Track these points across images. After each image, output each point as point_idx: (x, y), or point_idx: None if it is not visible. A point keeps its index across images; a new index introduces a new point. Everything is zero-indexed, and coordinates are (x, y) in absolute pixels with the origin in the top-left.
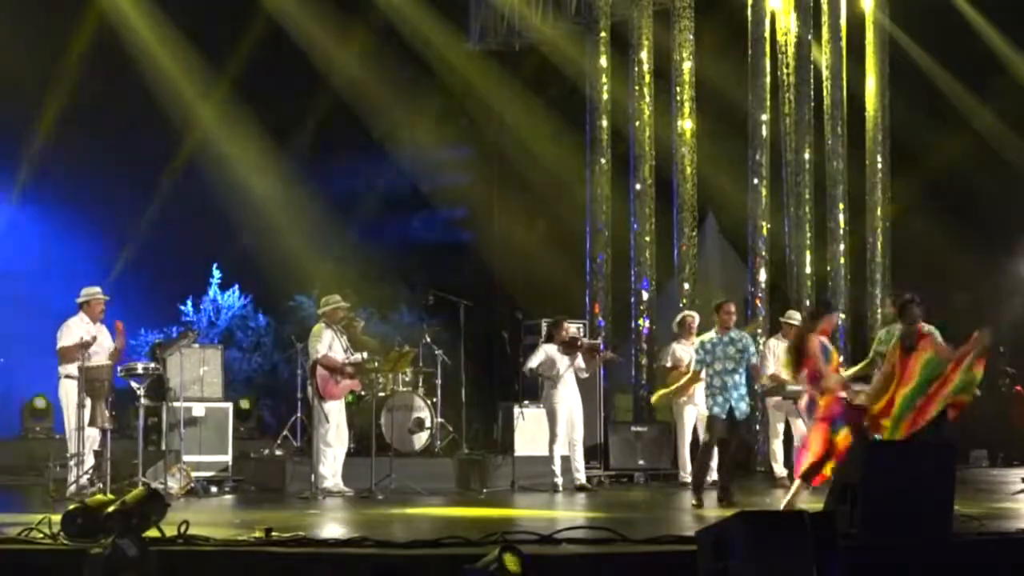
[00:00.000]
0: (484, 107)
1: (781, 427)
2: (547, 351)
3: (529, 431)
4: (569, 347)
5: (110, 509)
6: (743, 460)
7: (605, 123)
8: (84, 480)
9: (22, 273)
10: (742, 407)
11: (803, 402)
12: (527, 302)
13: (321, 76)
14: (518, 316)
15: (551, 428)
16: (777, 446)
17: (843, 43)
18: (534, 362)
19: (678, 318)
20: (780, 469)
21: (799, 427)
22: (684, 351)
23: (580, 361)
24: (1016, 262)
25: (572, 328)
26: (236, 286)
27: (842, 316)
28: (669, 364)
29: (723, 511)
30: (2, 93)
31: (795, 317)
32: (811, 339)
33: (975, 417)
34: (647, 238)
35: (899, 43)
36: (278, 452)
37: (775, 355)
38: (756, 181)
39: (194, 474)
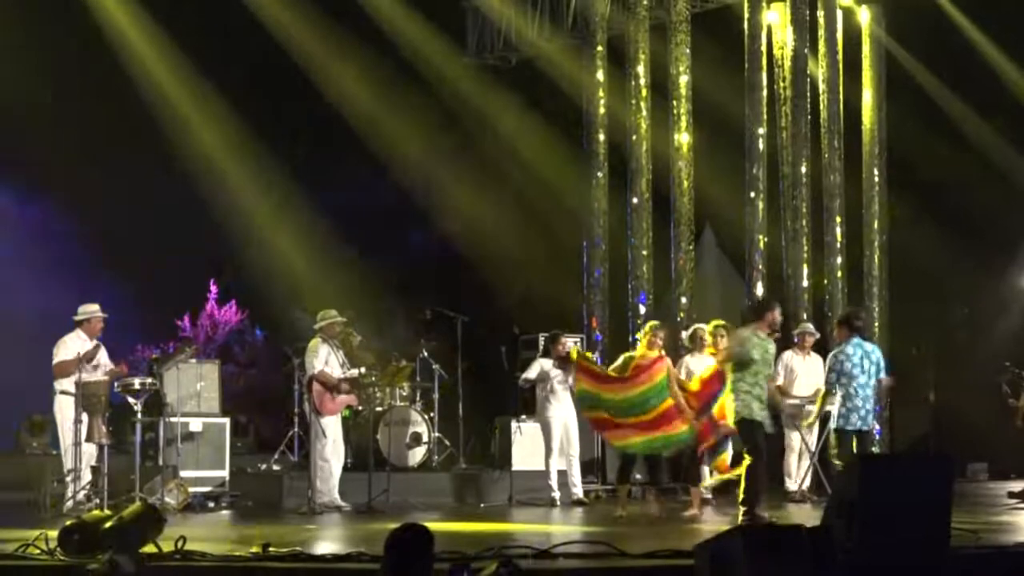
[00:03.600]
0: (481, 121)
1: (797, 440)
2: (543, 365)
3: (526, 445)
4: (565, 362)
5: (107, 525)
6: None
7: (602, 137)
8: (81, 496)
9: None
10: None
11: None
12: (524, 316)
13: (319, 91)
14: (515, 331)
15: (546, 442)
16: (792, 460)
17: (840, 57)
18: (530, 374)
19: (689, 331)
20: (792, 484)
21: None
22: (697, 364)
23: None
24: (1013, 275)
25: (569, 343)
26: (233, 301)
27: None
28: (683, 377)
29: (720, 526)
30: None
31: (811, 329)
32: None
33: (974, 430)
34: (644, 252)
35: (896, 56)
36: (275, 467)
37: (788, 367)
38: (753, 195)
39: (191, 489)
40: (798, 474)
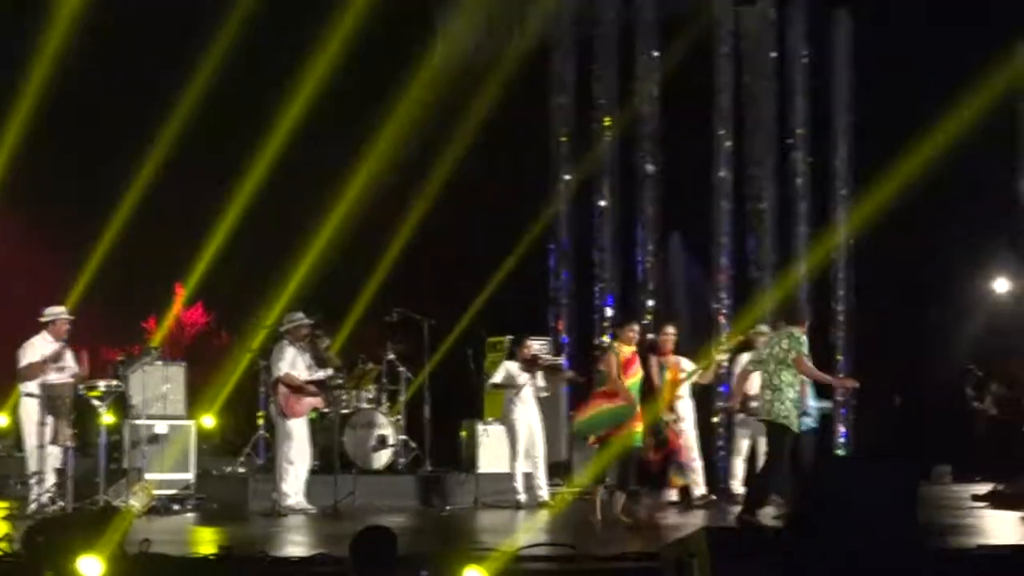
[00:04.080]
0: (448, 124)
1: (746, 444)
2: (508, 368)
3: (492, 448)
4: (530, 365)
5: (71, 527)
6: None
7: (569, 140)
8: (45, 498)
9: None
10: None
11: None
12: (491, 319)
13: (283, 93)
14: (482, 333)
15: (512, 445)
16: (738, 464)
17: (807, 60)
18: (497, 378)
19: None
20: (738, 486)
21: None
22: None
23: (540, 379)
24: (981, 278)
25: (535, 346)
26: (199, 303)
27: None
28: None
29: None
30: None
31: (764, 330)
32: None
33: (939, 432)
34: (611, 255)
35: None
36: (241, 470)
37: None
38: (720, 198)
39: (156, 492)
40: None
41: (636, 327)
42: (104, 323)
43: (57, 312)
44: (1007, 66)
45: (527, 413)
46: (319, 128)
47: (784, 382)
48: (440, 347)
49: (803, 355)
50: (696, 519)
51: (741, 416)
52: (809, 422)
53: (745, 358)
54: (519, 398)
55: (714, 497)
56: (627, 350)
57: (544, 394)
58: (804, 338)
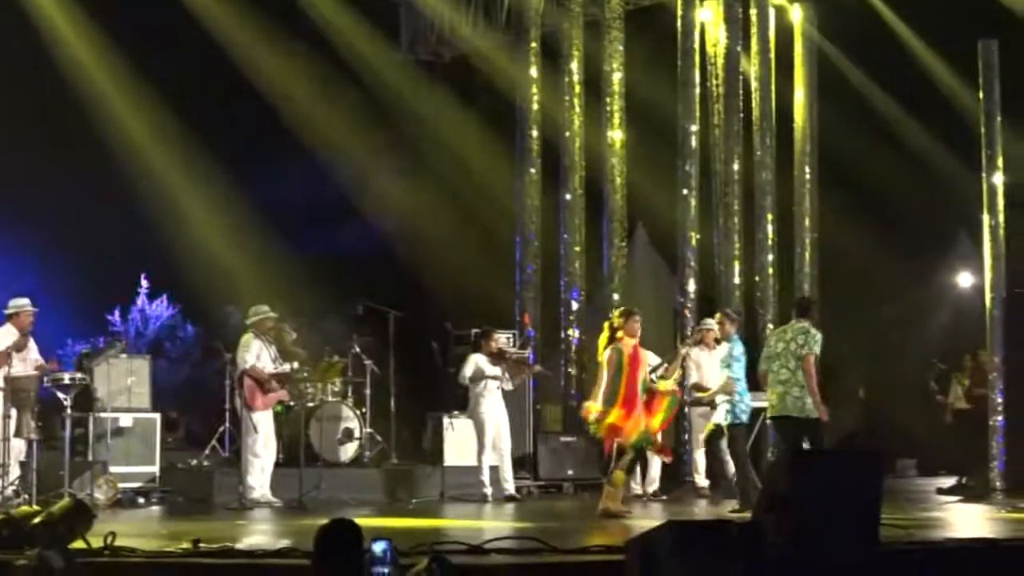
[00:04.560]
0: (414, 117)
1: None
2: (477, 361)
3: (458, 441)
4: (497, 358)
5: (36, 520)
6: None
7: (535, 133)
8: (9, 491)
9: None
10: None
11: None
12: (457, 312)
13: (250, 84)
14: (447, 326)
15: (479, 439)
16: (700, 457)
17: (772, 55)
18: (467, 371)
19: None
20: (702, 480)
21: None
22: (706, 359)
23: (505, 373)
24: (942, 273)
25: (501, 339)
26: (164, 296)
27: (770, 326)
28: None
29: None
30: None
31: (710, 324)
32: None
33: (904, 426)
34: (577, 248)
35: (828, 55)
36: (206, 463)
37: (696, 364)
38: (685, 192)
39: (121, 485)
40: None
41: (638, 318)
42: (69, 315)
43: (21, 304)
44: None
45: (493, 407)
46: (285, 119)
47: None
48: (405, 340)
49: (814, 354)
50: (660, 513)
51: (701, 409)
52: (744, 417)
53: (696, 353)
54: (486, 391)
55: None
56: (631, 343)
57: (508, 387)
58: (819, 336)
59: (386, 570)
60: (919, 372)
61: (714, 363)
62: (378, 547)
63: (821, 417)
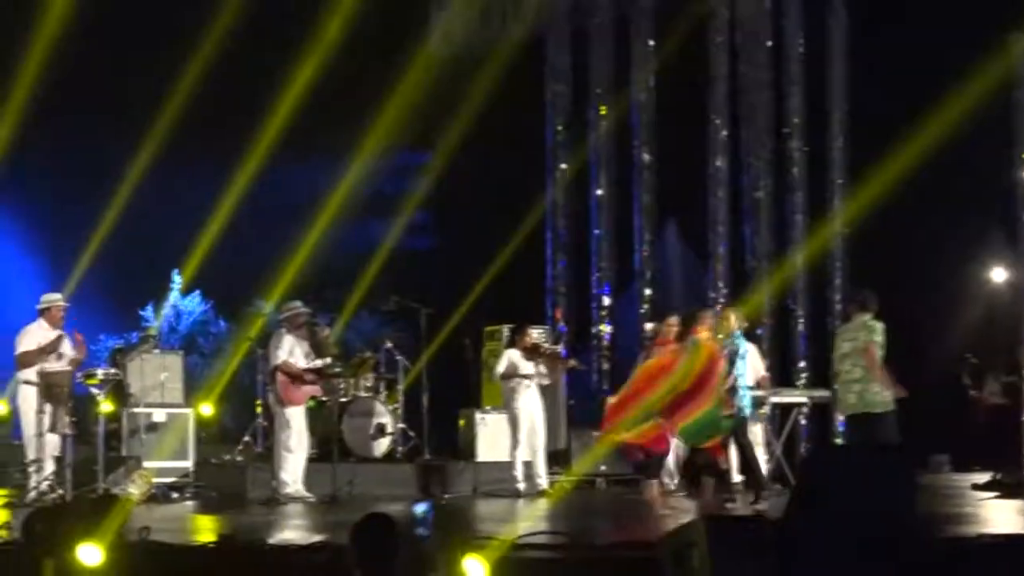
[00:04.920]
0: (445, 112)
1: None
2: (511, 357)
3: (491, 437)
4: (532, 353)
5: (70, 515)
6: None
7: (566, 129)
8: (44, 486)
9: None
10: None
11: None
12: (488, 307)
13: (282, 81)
14: (479, 322)
15: (513, 434)
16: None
17: (803, 49)
18: (500, 368)
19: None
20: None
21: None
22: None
23: (542, 367)
24: (975, 268)
25: (535, 334)
26: (197, 292)
27: (802, 322)
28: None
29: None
30: None
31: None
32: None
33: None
34: (608, 244)
35: (860, 47)
36: (239, 458)
37: None
38: (717, 187)
39: (155, 480)
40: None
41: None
42: (102, 311)
43: (53, 299)
44: (1003, 55)
45: (529, 402)
46: (316, 116)
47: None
48: (437, 336)
49: (875, 343)
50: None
51: None
52: (747, 410)
53: None
54: (522, 386)
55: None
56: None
57: (546, 382)
58: (880, 326)
59: (427, 531)
60: (952, 367)
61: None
62: (420, 508)
63: (899, 394)
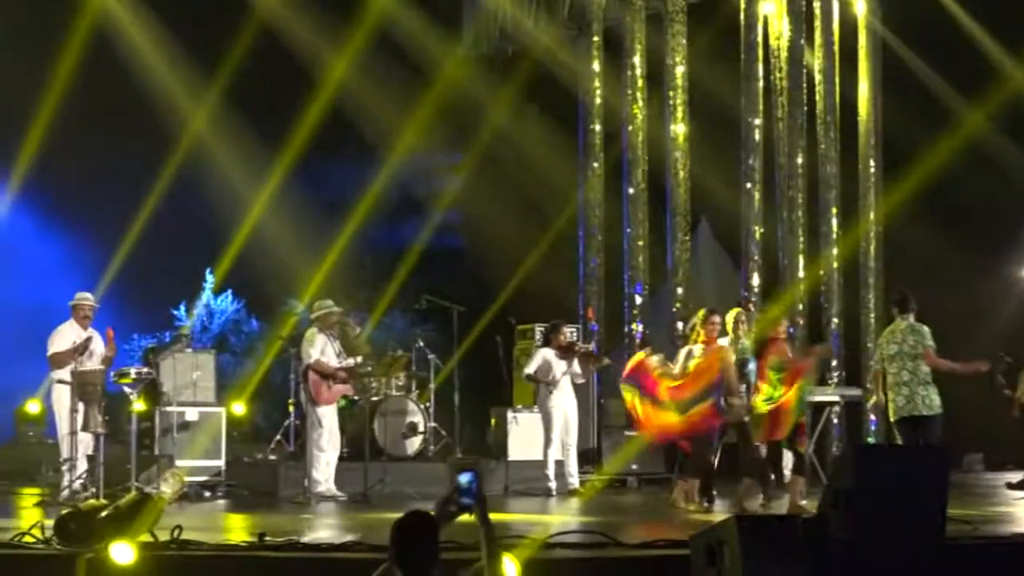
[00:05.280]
0: (477, 112)
1: None
2: (544, 355)
3: (522, 435)
4: (566, 352)
5: (103, 514)
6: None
7: (598, 127)
8: (77, 485)
9: (13, 277)
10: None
11: None
12: (520, 307)
13: (313, 81)
14: (511, 321)
15: (546, 432)
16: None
17: (836, 47)
18: (532, 367)
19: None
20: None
21: None
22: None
23: (576, 366)
24: (1009, 265)
25: (568, 332)
26: (229, 291)
27: (835, 320)
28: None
29: (718, 515)
30: None
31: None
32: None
33: (970, 420)
34: (640, 242)
35: (892, 47)
36: (271, 457)
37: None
38: (749, 185)
39: (187, 479)
40: None
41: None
42: (135, 310)
43: (81, 296)
44: None
45: (563, 400)
46: (348, 115)
47: (928, 374)
48: (469, 334)
49: (931, 348)
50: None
51: None
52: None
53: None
54: (556, 385)
55: None
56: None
57: (580, 380)
58: (927, 329)
59: (471, 501)
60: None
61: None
62: (464, 478)
63: (981, 368)
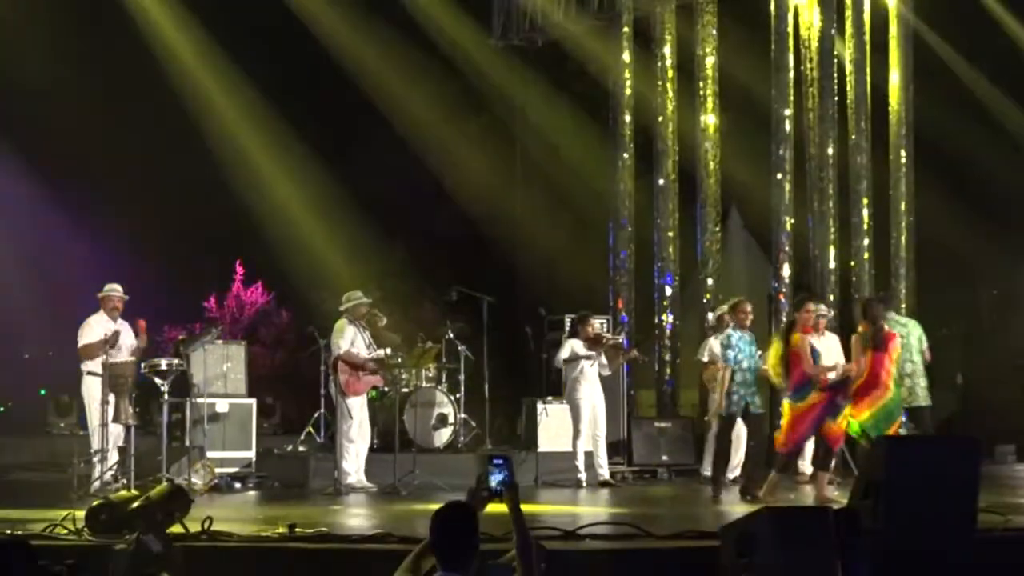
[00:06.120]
0: (507, 103)
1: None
2: (573, 346)
3: (552, 427)
4: (594, 343)
5: (134, 505)
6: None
7: (628, 118)
8: (108, 476)
9: (45, 269)
10: (757, 402)
11: None
12: (550, 298)
13: (344, 72)
14: (541, 312)
15: (575, 424)
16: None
17: (867, 37)
18: (563, 355)
19: (718, 312)
20: (806, 466)
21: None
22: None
23: (603, 358)
24: None
25: (596, 324)
26: (259, 282)
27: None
28: (706, 359)
29: (747, 506)
30: (28, 85)
31: (824, 311)
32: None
33: (1003, 411)
34: (670, 233)
35: (923, 37)
36: (301, 448)
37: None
38: (779, 176)
39: (218, 470)
40: None
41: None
42: (165, 301)
43: (109, 288)
44: None
45: (591, 392)
46: (379, 105)
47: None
48: (499, 326)
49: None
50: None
51: None
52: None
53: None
54: (583, 376)
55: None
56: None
57: (606, 372)
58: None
59: (501, 476)
60: (1018, 358)
61: (827, 348)
62: (496, 463)
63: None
